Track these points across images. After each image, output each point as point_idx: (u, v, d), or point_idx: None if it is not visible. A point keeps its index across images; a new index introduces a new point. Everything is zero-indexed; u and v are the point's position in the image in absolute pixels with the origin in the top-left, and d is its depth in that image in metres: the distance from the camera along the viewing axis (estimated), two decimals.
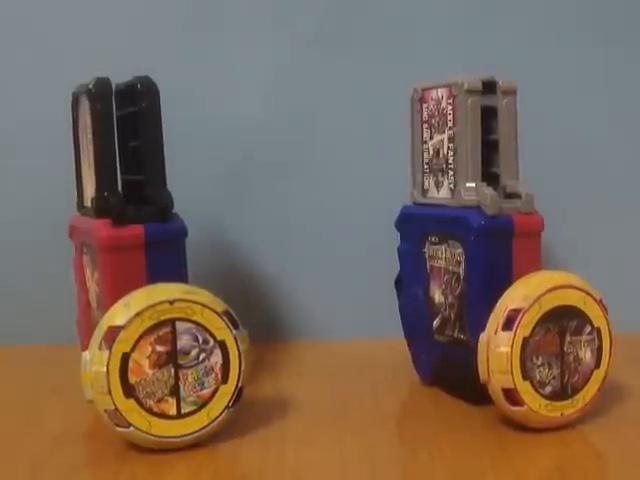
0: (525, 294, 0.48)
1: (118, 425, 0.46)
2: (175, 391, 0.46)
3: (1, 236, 0.69)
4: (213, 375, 0.47)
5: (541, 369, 0.48)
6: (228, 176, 0.69)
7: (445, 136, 0.53)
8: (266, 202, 0.69)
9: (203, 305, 0.47)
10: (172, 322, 0.46)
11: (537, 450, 0.46)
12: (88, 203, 0.53)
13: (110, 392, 0.45)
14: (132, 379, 0.46)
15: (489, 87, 0.52)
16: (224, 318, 0.47)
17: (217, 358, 0.47)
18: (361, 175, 0.68)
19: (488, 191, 0.51)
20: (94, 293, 0.53)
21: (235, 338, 0.48)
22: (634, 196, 0.69)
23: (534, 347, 0.48)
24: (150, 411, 0.46)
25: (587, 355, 0.49)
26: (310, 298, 0.69)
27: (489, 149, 0.52)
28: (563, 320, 0.48)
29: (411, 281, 0.56)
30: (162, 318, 0.46)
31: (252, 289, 0.69)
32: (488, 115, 0.52)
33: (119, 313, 0.46)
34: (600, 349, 0.49)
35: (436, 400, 0.54)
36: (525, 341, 0.47)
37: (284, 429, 0.50)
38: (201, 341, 0.47)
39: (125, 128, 0.52)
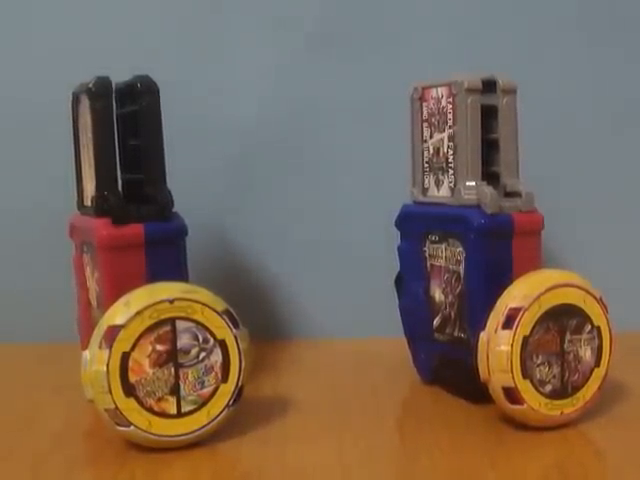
0: (525, 293, 0.48)
1: (118, 424, 0.46)
2: (175, 390, 0.46)
3: (1, 235, 0.69)
4: (213, 374, 0.47)
5: (541, 368, 0.48)
6: (228, 175, 0.69)
7: (445, 135, 0.53)
8: (266, 201, 0.69)
9: (203, 304, 0.47)
10: (172, 321, 0.46)
11: (537, 449, 0.46)
12: (88, 202, 0.53)
13: (110, 391, 0.45)
14: (132, 378, 0.46)
15: (489, 86, 0.52)
16: (224, 317, 0.47)
17: (217, 357, 0.47)
18: (361, 174, 0.69)
19: (488, 190, 0.51)
20: (94, 292, 0.53)
21: (235, 337, 0.48)
22: (634, 195, 0.69)
23: (534, 346, 0.48)
24: (150, 410, 0.46)
25: (587, 354, 0.49)
26: (310, 297, 0.69)
27: (489, 148, 0.52)
28: (563, 319, 0.48)
29: (411, 280, 0.56)
30: (162, 317, 0.46)
31: (252, 288, 0.69)
32: (488, 114, 0.52)
33: (119, 312, 0.46)
34: (600, 348, 0.49)
35: (436, 399, 0.54)
36: (525, 340, 0.47)
37: (284, 428, 0.50)
38: (201, 340, 0.47)
39: (125, 127, 0.52)
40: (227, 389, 0.47)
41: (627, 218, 0.69)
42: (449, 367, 0.55)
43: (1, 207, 0.69)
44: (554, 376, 0.48)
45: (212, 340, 0.47)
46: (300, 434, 0.49)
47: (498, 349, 0.47)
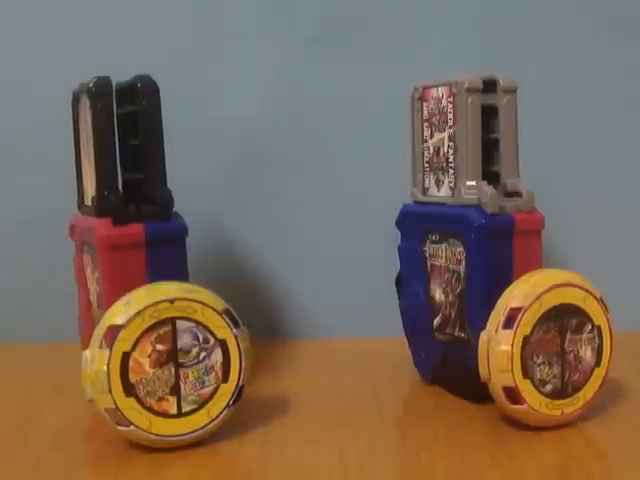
0: (526, 292, 0.48)
1: (119, 424, 0.46)
2: (175, 390, 0.46)
3: (1, 235, 0.69)
4: (213, 374, 0.47)
5: (542, 367, 0.48)
6: (228, 175, 0.69)
7: (445, 135, 0.53)
8: (266, 201, 0.69)
9: (203, 304, 0.47)
10: (172, 321, 0.46)
11: (538, 448, 0.46)
12: (88, 202, 0.53)
13: (110, 391, 0.45)
14: (132, 378, 0.46)
15: (489, 85, 0.52)
16: (224, 317, 0.47)
17: (217, 357, 0.47)
18: (361, 175, 0.68)
19: (488, 189, 0.51)
20: (95, 292, 0.53)
21: (235, 337, 0.48)
22: (634, 195, 0.69)
23: (535, 345, 0.48)
24: (150, 410, 0.46)
25: (588, 353, 0.49)
26: (310, 297, 0.69)
27: (489, 147, 0.52)
28: (564, 318, 0.48)
29: (412, 280, 0.56)
30: (162, 317, 0.46)
31: (252, 288, 0.69)
32: (488, 113, 0.52)
33: (119, 312, 0.46)
34: (600, 347, 0.49)
35: (436, 399, 0.54)
36: (526, 339, 0.47)
37: (284, 428, 0.50)
38: (201, 340, 0.47)
39: (125, 127, 0.52)
40: (227, 389, 0.47)
41: (627, 218, 0.69)
42: (449, 367, 0.55)
43: (1, 207, 0.69)
44: (554, 376, 0.48)
45: (212, 340, 0.47)
46: (300, 434, 0.49)
47: (498, 349, 0.47)
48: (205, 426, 0.47)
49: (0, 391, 0.58)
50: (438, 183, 0.54)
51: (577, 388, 0.49)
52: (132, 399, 0.46)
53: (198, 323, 0.47)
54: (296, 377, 0.60)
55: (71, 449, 0.48)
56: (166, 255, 0.51)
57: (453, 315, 0.54)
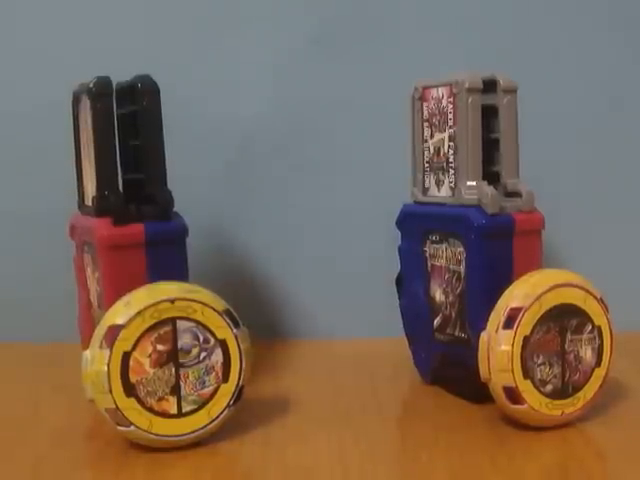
0: (526, 292, 0.48)
1: (119, 424, 0.46)
2: (176, 390, 0.46)
3: (1, 235, 0.69)
4: (214, 374, 0.47)
5: (542, 368, 0.48)
6: (228, 175, 0.69)
7: (446, 135, 0.53)
8: (267, 202, 0.69)
9: (204, 304, 0.47)
10: (173, 321, 0.46)
11: (538, 448, 0.46)
12: (89, 202, 0.53)
13: (111, 391, 0.45)
14: (133, 378, 0.46)
15: (490, 86, 0.52)
16: (225, 317, 0.47)
17: (218, 357, 0.47)
18: (361, 174, 0.68)
19: (489, 189, 0.51)
20: (95, 292, 0.53)
21: (236, 337, 0.48)
22: (634, 195, 0.69)
23: (535, 346, 0.48)
24: (151, 410, 0.46)
25: (588, 354, 0.49)
26: (311, 297, 0.69)
27: (490, 148, 0.52)
28: (564, 319, 0.48)
29: (412, 280, 0.56)
30: (163, 317, 0.46)
31: (252, 288, 0.69)
32: (489, 114, 0.52)
33: (120, 312, 0.46)
34: (601, 348, 0.49)
35: (437, 399, 0.54)
36: (526, 340, 0.47)
37: (285, 428, 0.50)
38: (202, 340, 0.47)
39: (126, 127, 0.52)
40: (228, 389, 0.47)
41: (627, 218, 0.69)
42: (450, 367, 0.55)
43: (1, 207, 0.69)
44: (555, 376, 0.48)
45: (213, 340, 0.47)
46: (300, 434, 0.49)
47: (499, 349, 0.47)
48: (205, 426, 0.47)
49: (0, 391, 0.58)
50: (438, 183, 0.54)
51: (577, 388, 0.49)
52: (132, 399, 0.46)
53: (198, 323, 0.47)
54: (296, 377, 0.60)
55: (71, 449, 0.48)
56: (166, 255, 0.50)
57: (453, 315, 0.54)
